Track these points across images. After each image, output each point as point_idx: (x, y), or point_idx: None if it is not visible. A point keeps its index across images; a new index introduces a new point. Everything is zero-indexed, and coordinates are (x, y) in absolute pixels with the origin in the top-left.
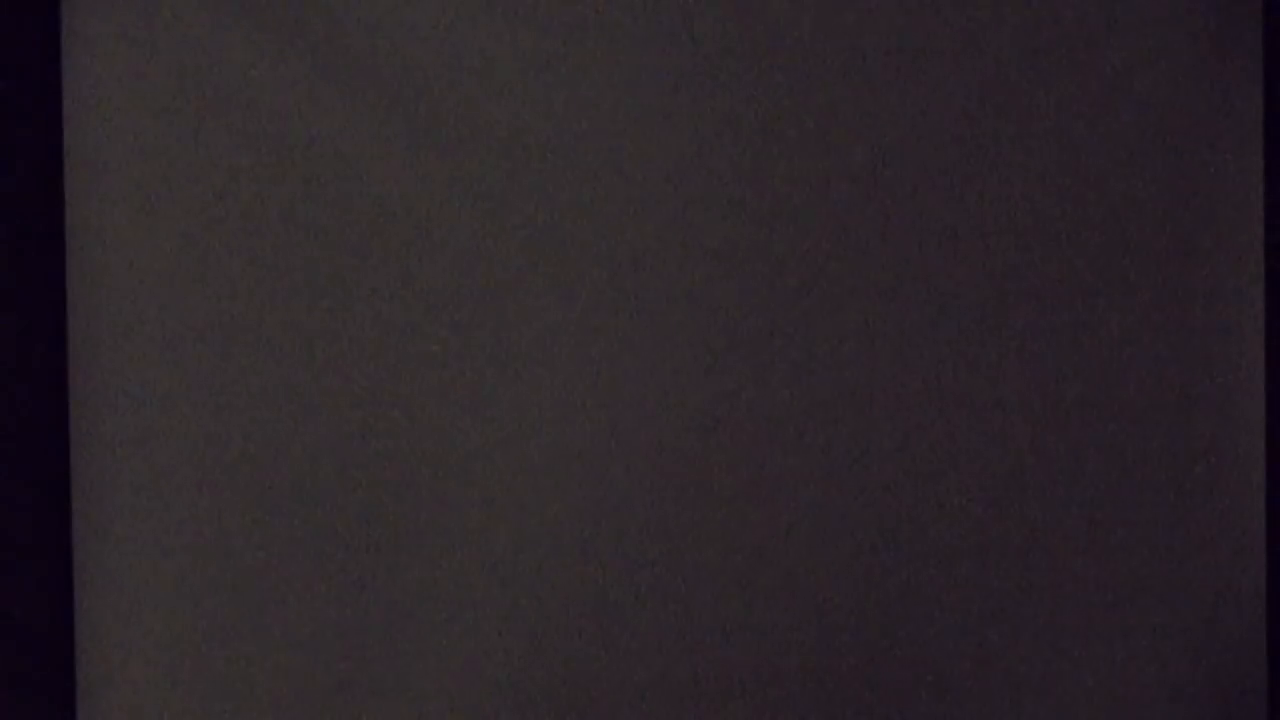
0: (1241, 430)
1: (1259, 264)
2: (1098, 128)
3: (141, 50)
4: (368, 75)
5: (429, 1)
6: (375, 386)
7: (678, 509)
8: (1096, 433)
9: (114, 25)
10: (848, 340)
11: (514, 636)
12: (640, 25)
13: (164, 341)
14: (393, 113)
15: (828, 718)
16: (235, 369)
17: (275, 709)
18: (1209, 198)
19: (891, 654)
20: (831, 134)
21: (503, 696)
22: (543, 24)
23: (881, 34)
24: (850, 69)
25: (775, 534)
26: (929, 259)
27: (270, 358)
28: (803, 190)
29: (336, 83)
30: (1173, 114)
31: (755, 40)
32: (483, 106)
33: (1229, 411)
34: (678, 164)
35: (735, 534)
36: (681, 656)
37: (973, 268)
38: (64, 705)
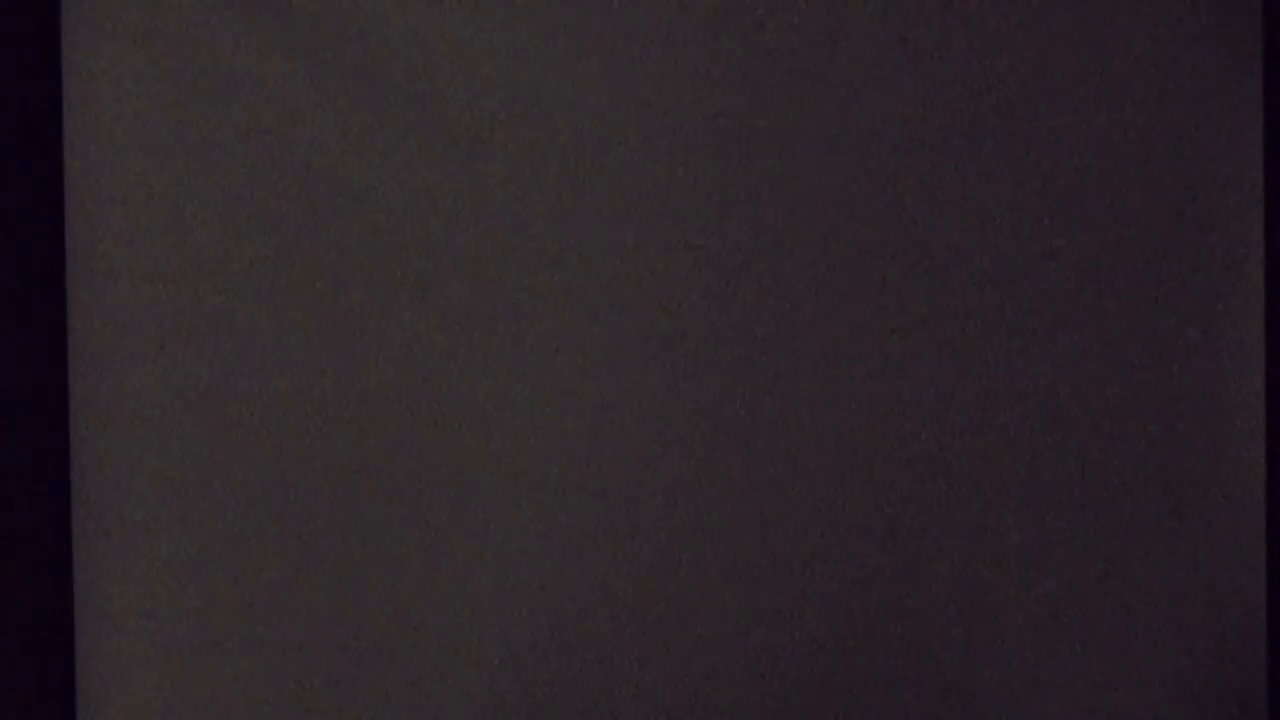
0: (1241, 430)
1: (1259, 264)
2: (1098, 128)
3: (141, 50)
4: (367, 75)
5: (429, 1)
6: (375, 387)
7: (679, 510)
8: (1096, 433)
9: (114, 25)
10: (848, 341)
11: (514, 637)
12: (642, 25)
13: (164, 341)
14: (392, 112)
15: (826, 716)
16: (235, 369)
17: (275, 709)
18: (1209, 198)
19: (890, 654)
20: (832, 134)
21: (502, 697)
22: (544, 23)
23: (880, 34)
24: (850, 68)
25: (776, 536)
26: (928, 259)
27: (270, 357)
28: (803, 191)
29: (336, 82)
30: (1173, 114)
31: (756, 42)
32: (483, 106)
33: (1229, 411)
34: (679, 165)
35: (736, 535)
36: (682, 657)
37: (972, 268)
38: (64, 705)
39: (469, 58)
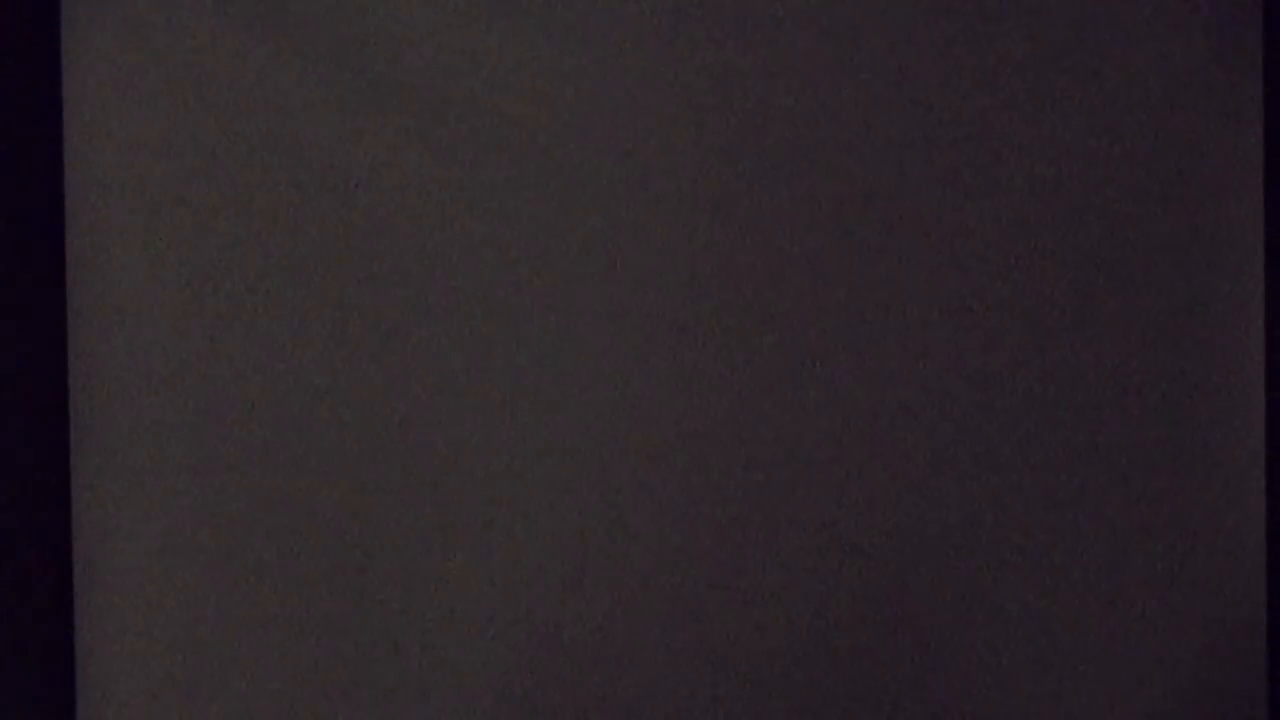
0: (1241, 430)
1: (1259, 264)
2: (1098, 128)
3: (142, 50)
4: (368, 74)
5: (428, 2)
6: (375, 386)
7: (678, 510)
8: (1096, 433)
9: (114, 25)
10: (848, 340)
11: (514, 635)
12: (641, 25)
13: (164, 341)
14: (392, 112)
15: (826, 715)
16: (235, 368)
17: (275, 709)
18: (1209, 198)
19: (891, 654)
20: (833, 135)
21: (502, 695)
22: (543, 23)
23: (881, 35)
24: (851, 69)
25: (775, 536)
26: (929, 259)
27: (270, 357)
28: (803, 192)
29: (337, 82)
30: (1173, 114)
31: (755, 41)
32: (482, 106)
33: (1229, 411)
34: (678, 165)
35: (734, 535)
36: (681, 657)
37: (973, 268)
38: (64, 705)
39: (471, 59)
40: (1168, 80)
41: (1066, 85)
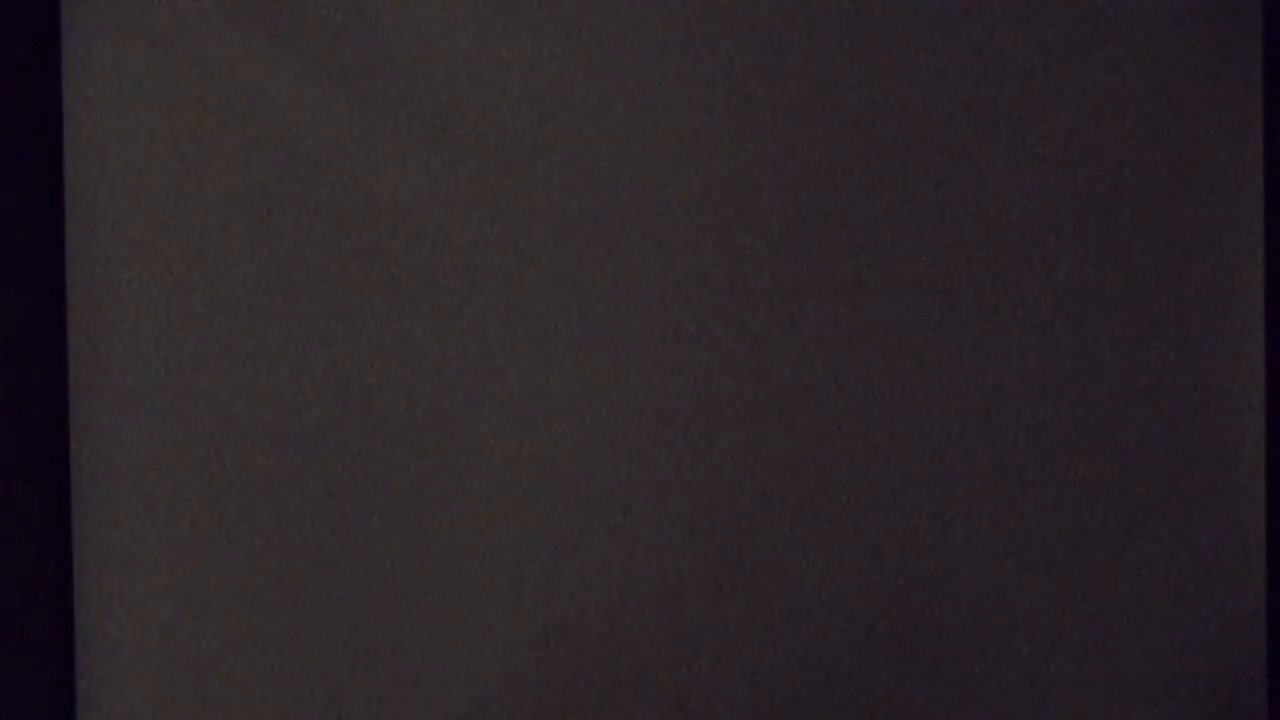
0: (1241, 430)
1: (1259, 264)
2: (1097, 128)
3: (141, 49)
4: (368, 75)
5: (429, 2)
6: (375, 386)
7: (677, 509)
8: (1096, 433)
9: (114, 25)
10: (848, 340)
11: (515, 635)
12: (647, 32)
13: (164, 341)
14: (393, 112)
15: (827, 717)
16: (235, 368)
17: (275, 709)
18: (1209, 198)
19: (890, 654)
20: (832, 134)
21: (502, 695)
22: (543, 24)
23: (880, 34)
24: (851, 69)
25: (775, 534)
26: (928, 258)
27: (270, 357)
28: (802, 189)
29: (337, 83)
30: (1173, 114)
31: (754, 40)
32: (483, 106)
33: (1229, 411)
34: (677, 163)
35: (734, 534)
36: (680, 656)
37: (972, 267)
38: (64, 705)
39: (472, 59)
40: (1168, 80)
41: (1066, 86)
